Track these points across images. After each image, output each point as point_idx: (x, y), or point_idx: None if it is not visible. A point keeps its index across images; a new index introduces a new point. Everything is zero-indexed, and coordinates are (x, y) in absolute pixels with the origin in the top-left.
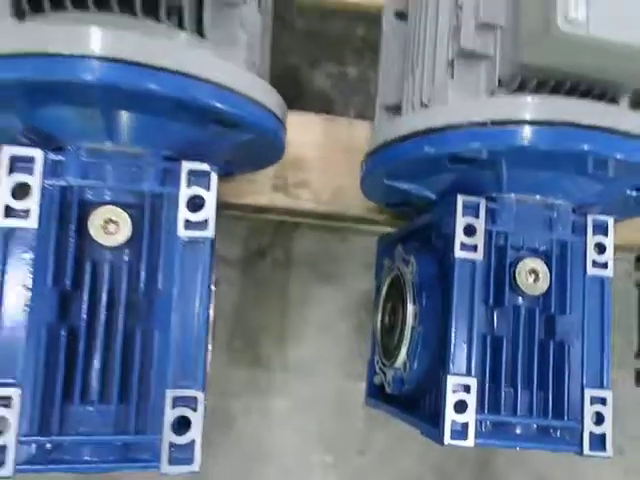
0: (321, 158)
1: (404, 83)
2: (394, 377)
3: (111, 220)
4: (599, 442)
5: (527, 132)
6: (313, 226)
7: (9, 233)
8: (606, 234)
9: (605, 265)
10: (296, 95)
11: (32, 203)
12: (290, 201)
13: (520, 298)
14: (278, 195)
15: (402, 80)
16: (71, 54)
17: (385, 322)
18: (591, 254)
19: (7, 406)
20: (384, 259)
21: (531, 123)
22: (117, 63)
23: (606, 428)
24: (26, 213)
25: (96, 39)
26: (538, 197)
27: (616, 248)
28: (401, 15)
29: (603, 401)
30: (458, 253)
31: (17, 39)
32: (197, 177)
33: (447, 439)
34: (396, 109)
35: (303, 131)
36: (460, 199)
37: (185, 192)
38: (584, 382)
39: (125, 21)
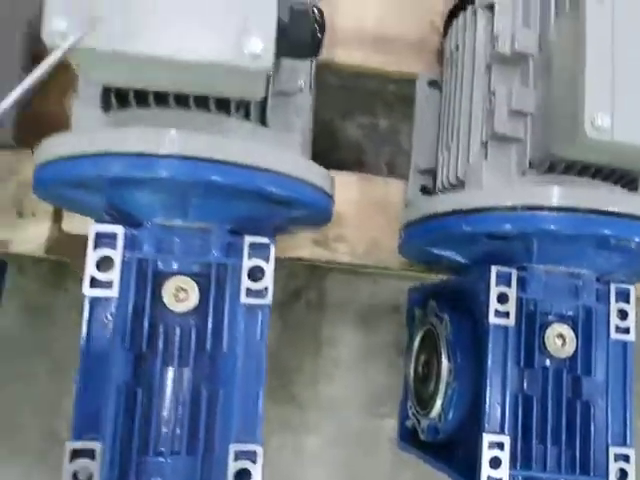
0: (357, 214)
1: (438, 154)
2: (429, 426)
3: (181, 288)
4: None
5: (554, 217)
6: (345, 269)
7: (94, 301)
8: (628, 301)
9: (627, 330)
10: (331, 145)
11: (114, 275)
12: (328, 254)
13: (548, 360)
14: (318, 249)
15: (435, 146)
16: (151, 154)
17: (418, 372)
18: (614, 320)
19: (91, 458)
20: (415, 308)
21: (558, 209)
22: (190, 161)
23: None
24: (109, 284)
25: (172, 140)
26: (565, 268)
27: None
28: (434, 84)
29: (626, 458)
30: (492, 319)
31: (105, 141)
32: (257, 249)
33: None
34: (429, 172)
35: (342, 189)
36: (494, 270)
37: (247, 263)
38: (609, 440)
39: (200, 116)
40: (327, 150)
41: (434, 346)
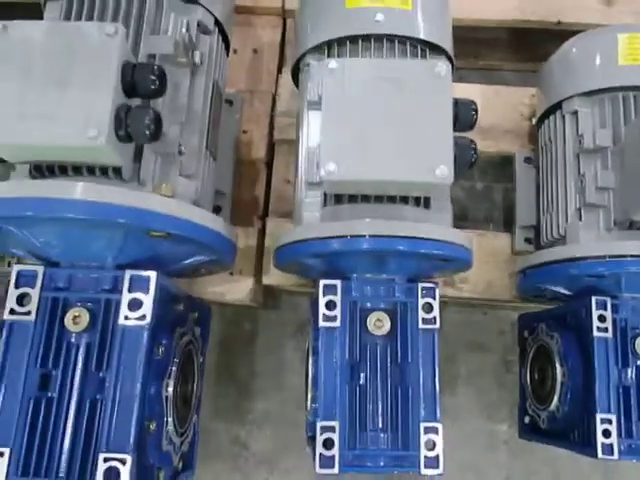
0: (476, 260)
1: (541, 216)
2: (548, 417)
3: (379, 319)
4: None
5: (633, 262)
6: (459, 303)
7: (325, 330)
8: None
9: None
10: None
11: (337, 312)
12: (455, 292)
13: (639, 361)
14: (447, 288)
15: (532, 207)
16: (358, 235)
17: (534, 378)
18: None
19: (333, 432)
20: (524, 331)
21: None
22: (380, 238)
23: None
24: (334, 318)
25: (369, 226)
26: None
27: None
28: (529, 160)
29: None
30: (595, 334)
31: (327, 229)
32: (427, 291)
33: (599, 454)
34: (530, 227)
35: None
36: (594, 299)
37: (421, 301)
38: None
39: (389, 206)
40: None
41: (547, 358)
